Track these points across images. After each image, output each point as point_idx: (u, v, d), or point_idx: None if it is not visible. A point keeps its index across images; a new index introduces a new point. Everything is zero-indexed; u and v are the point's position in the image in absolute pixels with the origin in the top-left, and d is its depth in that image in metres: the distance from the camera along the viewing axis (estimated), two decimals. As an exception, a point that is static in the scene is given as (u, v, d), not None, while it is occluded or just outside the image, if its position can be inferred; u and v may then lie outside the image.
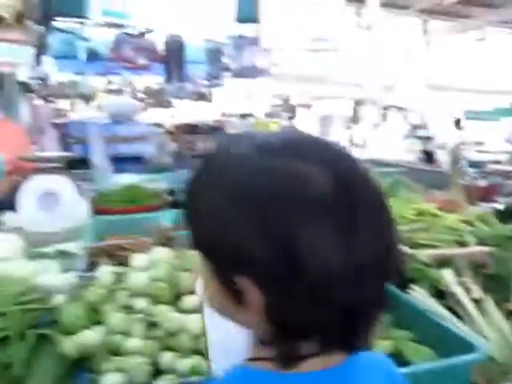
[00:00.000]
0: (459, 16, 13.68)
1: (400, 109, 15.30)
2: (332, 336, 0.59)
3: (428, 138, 9.90)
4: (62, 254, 2.10)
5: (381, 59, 13.12)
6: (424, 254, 2.04)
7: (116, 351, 1.26)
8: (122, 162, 5.04)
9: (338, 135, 15.32)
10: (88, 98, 6.01)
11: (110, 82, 6.13)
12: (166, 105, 6.42)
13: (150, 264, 1.56)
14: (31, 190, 2.57)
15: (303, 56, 9.74)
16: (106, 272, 1.62)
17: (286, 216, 0.53)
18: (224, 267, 0.58)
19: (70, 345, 1.27)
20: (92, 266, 1.94)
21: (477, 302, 1.63)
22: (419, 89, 13.90)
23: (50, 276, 1.83)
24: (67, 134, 4.85)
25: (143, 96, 6.24)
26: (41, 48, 3.86)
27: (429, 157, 8.46)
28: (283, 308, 0.56)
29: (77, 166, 4.64)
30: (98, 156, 4.59)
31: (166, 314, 1.34)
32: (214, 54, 5.06)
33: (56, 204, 2.59)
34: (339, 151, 0.59)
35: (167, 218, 2.63)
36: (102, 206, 2.70)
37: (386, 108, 14.45)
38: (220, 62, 5.08)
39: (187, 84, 5.55)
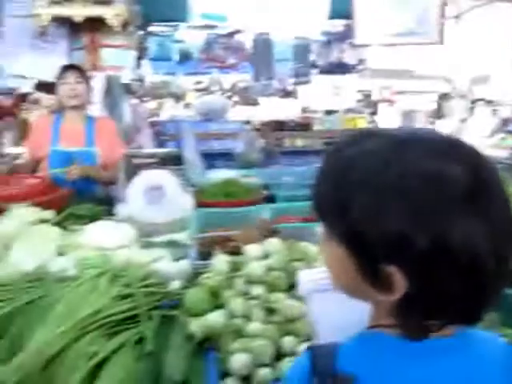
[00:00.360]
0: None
1: (489, 102, 14.45)
2: (460, 311, 0.66)
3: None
4: (171, 244, 2.24)
5: (470, 50, 12.44)
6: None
7: (238, 333, 1.33)
8: (212, 158, 5.25)
9: (421, 131, 14.71)
10: (178, 97, 6.29)
11: (198, 82, 6.37)
12: (253, 102, 6.56)
13: (264, 254, 1.64)
14: (139, 184, 2.75)
15: (390, 51, 9.49)
16: (222, 260, 1.71)
17: (439, 210, 0.60)
18: (373, 257, 0.63)
19: (196, 325, 1.36)
20: (202, 255, 2.07)
21: None
22: (512, 81, 12.99)
23: (165, 263, 1.96)
24: (161, 131, 5.11)
25: (230, 94, 6.42)
26: (140, 51, 4.10)
27: (525, 153, 7.91)
28: (427, 292, 0.63)
29: (169, 162, 4.89)
30: (191, 152, 4.81)
31: (284, 301, 1.39)
32: (302, 51, 5.10)
33: (161, 197, 2.76)
34: (471, 148, 0.65)
35: (264, 212, 2.72)
36: (202, 199, 2.83)
37: (473, 102, 13.71)
38: (307, 59, 5.11)
39: (274, 81, 5.65)
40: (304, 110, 7.21)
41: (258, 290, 1.49)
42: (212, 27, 5.06)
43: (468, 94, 12.97)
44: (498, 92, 13.21)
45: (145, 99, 5.57)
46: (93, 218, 2.68)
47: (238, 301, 1.42)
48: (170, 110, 6.45)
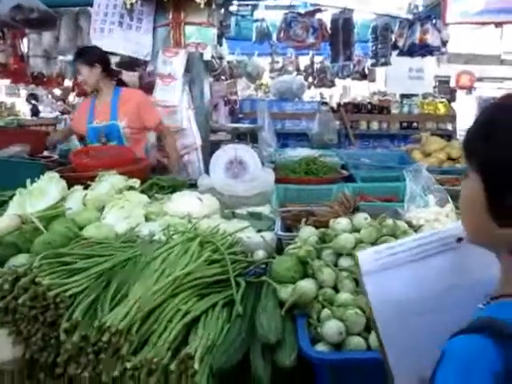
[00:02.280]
0: None
1: None
2: None
3: None
4: (255, 216, 2.27)
5: None
6: None
7: (329, 302, 1.34)
8: (286, 138, 5.27)
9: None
10: (254, 77, 6.30)
11: (274, 62, 6.35)
12: (329, 84, 6.46)
13: (352, 228, 1.63)
14: (222, 157, 2.81)
15: (473, 34, 9.00)
16: (309, 232, 1.72)
17: None
18: (505, 185, 0.70)
19: (286, 292, 1.38)
20: (285, 228, 2.09)
21: None
22: None
23: (250, 234, 1.99)
24: (236, 110, 5.17)
25: (305, 75, 6.35)
26: (221, 30, 4.14)
27: None
28: None
29: (245, 139, 4.95)
30: (266, 131, 4.85)
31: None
32: (382, 31, 4.93)
33: (243, 171, 2.80)
34: None
35: (342, 189, 2.69)
36: (283, 175, 2.85)
37: None
38: (388, 39, 4.93)
39: (352, 63, 5.52)
40: (381, 93, 7.03)
41: (347, 262, 1.48)
42: (291, 6, 5.01)
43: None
44: None
45: (223, 78, 5.64)
46: (174, 189, 2.79)
47: (328, 271, 1.42)
48: (245, 90, 6.49)
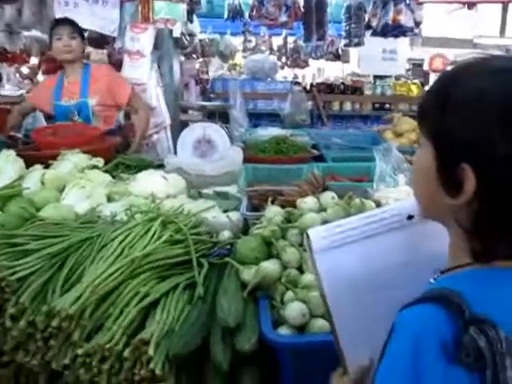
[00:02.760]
0: None
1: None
2: None
3: None
4: (221, 196, 2.22)
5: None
6: None
7: (292, 284, 1.30)
8: (258, 118, 5.19)
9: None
10: (227, 56, 6.18)
11: (247, 41, 6.24)
12: (303, 64, 6.38)
13: (319, 208, 1.58)
14: (189, 136, 2.73)
15: (447, 18, 9.03)
16: (274, 211, 1.67)
17: None
18: (454, 155, 0.68)
19: (248, 273, 1.34)
20: (252, 208, 2.04)
21: None
22: None
23: (215, 213, 1.94)
24: (208, 89, 5.06)
25: (279, 55, 6.26)
26: (191, 6, 4.01)
27: None
28: (497, 196, 0.66)
29: (215, 118, 4.86)
30: (237, 110, 4.76)
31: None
32: (356, 11, 4.87)
33: (212, 150, 2.73)
34: None
35: (312, 169, 2.65)
36: (252, 154, 2.79)
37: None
38: (361, 19, 4.87)
39: (325, 43, 5.45)
40: (354, 74, 6.99)
41: (312, 243, 1.44)
42: (264, -17, 4.89)
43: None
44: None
45: (193, 56, 5.50)
46: (141, 168, 2.70)
47: (292, 250, 1.38)
48: (219, 70, 6.37)
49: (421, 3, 4.17)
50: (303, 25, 4.93)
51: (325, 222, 1.47)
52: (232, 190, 2.36)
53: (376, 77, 6.16)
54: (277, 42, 6.54)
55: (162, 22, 3.70)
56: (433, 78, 12.79)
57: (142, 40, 3.64)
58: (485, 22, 12.96)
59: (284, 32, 6.21)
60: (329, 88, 5.63)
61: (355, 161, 2.88)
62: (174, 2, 3.62)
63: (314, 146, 3.25)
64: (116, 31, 3.74)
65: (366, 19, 4.93)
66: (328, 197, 1.60)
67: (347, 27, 5.01)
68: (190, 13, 4.05)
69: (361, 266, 0.89)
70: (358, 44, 4.99)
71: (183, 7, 3.67)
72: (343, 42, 5.20)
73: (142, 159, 2.83)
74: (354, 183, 2.31)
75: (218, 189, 2.35)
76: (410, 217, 0.90)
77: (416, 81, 6.20)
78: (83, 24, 3.81)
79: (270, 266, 1.31)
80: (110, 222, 1.80)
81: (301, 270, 1.37)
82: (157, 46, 3.68)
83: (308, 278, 1.30)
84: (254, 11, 4.71)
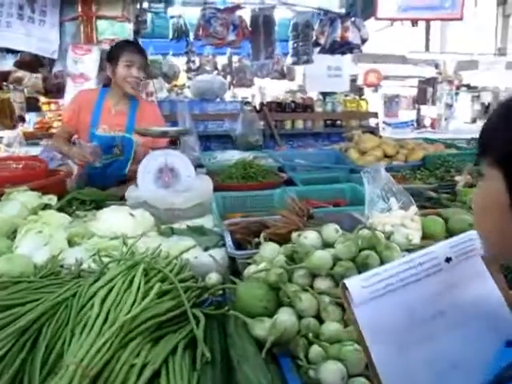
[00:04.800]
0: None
1: (471, 88, 14.52)
2: None
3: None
4: (198, 231, 2.01)
5: (458, 36, 12.41)
6: None
7: (314, 336, 1.12)
8: (209, 140, 5.01)
9: (405, 115, 14.80)
10: (170, 77, 5.97)
11: (190, 61, 6.06)
12: (248, 83, 6.28)
13: (322, 242, 1.43)
14: (150, 165, 2.50)
15: (380, 35, 9.39)
16: (272, 249, 1.50)
17: None
18: None
19: (263, 328, 1.15)
20: (235, 243, 1.84)
21: None
22: (497, 67, 13.03)
23: (196, 253, 1.73)
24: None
25: (224, 74, 6.13)
26: (137, 26, 3.80)
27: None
28: None
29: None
30: (188, 133, 4.55)
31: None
32: (303, 29, 4.84)
33: (174, 180, 2.51)
34: None
35: (286, 195, 2.51)
36: (218, 182, 2.60)
37: (458, 87, 13.74)
38: (309, 37, 4.86)
39: (273, 61, 5.39)
40: (293, 92, 7.01)
41: (325, 284, 1.28)
42: (208, 2, 4.75)
43: (454, 80, 13.01)
44: (485, 78, 13.30)
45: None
46: (97, 203, 2.44)
47: (307, 297, 1.20)
48: (159, 91, 6.13)
49: (379, 19, 4.18)
50: (251, 43, 4.84)
51: (336, 259, 1.32)
52: (205, 222, 2.16)
53: (324, 94, 6.17)
54: (221, 61, 6.42)
55: (107, 43, 3.46)
56: (367, 92, 13.22)
57: (85, 62, 3.39)
58: (411, 38, 13.63)
59: (228, 51, 6.10)
60: (279, 106, 5.56)
61: (325, 182, 2.77)
62: (119, 22, 3.40)
63: (280, 168, 3.13)
64: (56, 53, 3.45)
65: (314, 37, 4.92)
66: (331, 230, 1.44)
67: (295, 45, 4.98)
68: (136, 33, 3.82)
69: (402, 316, 0.83)
70: (307, 62, 4.97)
71: (129, 27, 3.45)
72: (291, 59, 5.17)
73: (97, 193, 2.57)
74: (339, 208, 2.19)
75: (189, 223, 2.14)
76: (448, 259, 0.87)
77: (364, 97, 6.28)
78: (17, 46, 3.51)
79: (288, 319, 1.13)
80: (75, 273, 1.56)
81: (318, 318, 1.20)
82: (103, 67, 3.43)
83: (331, 327, 1.13)
84: (201, 30, 4.56)
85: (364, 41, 4.89)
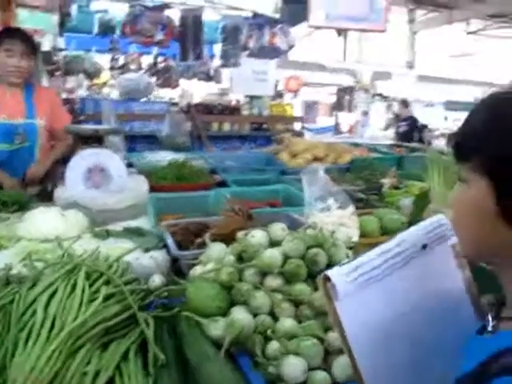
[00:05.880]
0: (446, 7, 13.63)
1: (384, 97, 15.43)
2: None
3: (424, 127, 9.96)
4: (134, 233, 1.94)
5: (374, 48, 13.14)
6: None
7: (267, 333, 1.13)
8: (134, 141, 4.86)
9: (323, 121, 15.39)
10: (92, 74, 5.72)
11: (114, 59, 5.84)
12: (174, 84, 6.18)
13: (269, 241, 1.44)
14: (79, 165, 2.38)
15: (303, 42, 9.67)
16: (219, 249, 1.48)
17: None
18: None
19: (218, 328, 1.14)
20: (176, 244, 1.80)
21: None
22: (409, 78, 13.95)
23: (137, 255, 1.67)
24: (77, 110, 4.61)
25: (149, 74, 5.98)
26: (62, 17, 3.60)
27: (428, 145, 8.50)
28: None
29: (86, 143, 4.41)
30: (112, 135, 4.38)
31: (314, 292, 1.22)
32: (232, 33, 4.87)
33: (105, 180, 2.41)
34: None
35: (220, 196, 2.50)
36: (152, 182, 2.53)
37: (373, 96, 14.52)
38: (238, 40, 4.88)
39: (200, 63, 5.35)
40: (222, 94, 7.03)
41: (275, 282, 1.29)
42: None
43: (370, 89, 13.73)
44: (397, 89, 14.17)
45: (56, 74, 4.97)
46: (21, 205, 2.29)
47: (261, 295, 1.21)
48: (79, 88, 5.86)
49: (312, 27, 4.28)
50: (179, 44, 4.78)
51: (286, 257, 1.33)
52: (141, 224, 2.10)
53: (251, 97, 6.22)
54: (146, 60, 6.26)
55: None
56: (288, 97, 13.57)
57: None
58: (330, 47, 14.21)
59: (155, 50, 5.97)
60: (207, 108, 5.54)
61: (257, 184, 2.80)
62: (43, 12, 3.20)
63: (212, 170, 3.11)
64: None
65: (242, 40, 4.96)
66: (278, 229, 1.45)
67: (224, 47, 4.99)
68: (61, 25, 3.62)
69: (385, 307, 0.83)
70: (235, 64, 5.00)
71: (54, 18, 3.26)
72: (219, 61, 5.17)
73: (20, 194, 2.40)
74: (277, 209, 2.22)
75: (124, 224, 2.07)
76: (424, 246, 0.87)
77: (289, 102, 6.43)
78: None
79: (244, 316, 1.13)
80: (4, 278, 1.44)
81: (272, 314, 1.21)
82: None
83: (287, 324, 1.15)
84: (128, 27, 4.42)
85: (291, 47, 5.01)
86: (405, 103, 10.00)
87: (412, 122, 9.58)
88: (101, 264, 1.48)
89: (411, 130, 9.19)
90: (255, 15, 5.07)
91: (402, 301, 0.84)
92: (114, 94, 5.38)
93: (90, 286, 1.29)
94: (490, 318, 0.74)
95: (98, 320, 1.15)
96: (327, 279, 0.78)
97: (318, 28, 4.31)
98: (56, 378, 0.94)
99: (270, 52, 4.92)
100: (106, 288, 1.30)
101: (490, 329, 0.73)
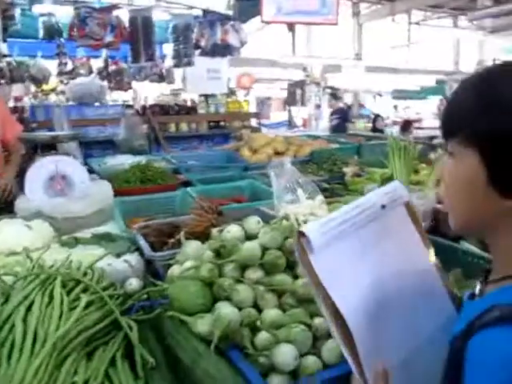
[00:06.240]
0: (388, -1, 13.99)
1: (334, 90, 15.72)
2: None
3: (378, 116, 10.21)
4: (104, 238, 1.90)
5: (323, 42, 13.34)
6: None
7: (255, 325, 1.14)
8: (90, 147, 4.74)
9: (277, 116, 15.50)
10: (40, 80, 5.52)
11: (62, 64, 5.66)
12: (126, 86, 6.06)
13: (244, 235, 1.44)
14: (40, 173, 2.31)
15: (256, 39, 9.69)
16: (196, 247, 1.48)
17: None
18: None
19: (205, 324, 1.14)
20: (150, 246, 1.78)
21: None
22: (358, 70, 14.25)
23: (109, 260, 1.64)
24: (27, 118, 4.44)
25: (100, 78, 5.82)
26: (5, 22, 3.44)
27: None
28: None
29: (41, 151, 4.27)
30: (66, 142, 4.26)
31: (296, 281, 1.24)
32: (184, 32, 4.81)
33: (68, 187, 2.35)
34: None
35: (186, 196, 2.50)
36: (115, 187, 2.49)
37: (324, 89, 14.75)
38: (189, 39, 4.83)
39: (152, 64, 5.27)
40: (177, 94, 6.96)
41: (255, 275, 1.30)
42: (81, 1, 4.48)
43: (321, 82, 13.92)
44: (347, 81, 14.45)
45: (1, 81, 4.76)
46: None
47: (244, 288, 1.22)
48: (26, 95, 5.65)
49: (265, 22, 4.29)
50: (130, 45, 4.68)
51: (264, 249, 1.34)
52: (109, 229, 2.05)
53: (205, 96, 6.17)
54: (96, 64, 6.10)
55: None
56: (240, 94, 13.58)
57: None
58: (279, 42, 14.33)
59: (104, 53, 5.83)
60: (163, 110, 5.46)
61: (222, 181, 2.81)
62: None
63: (175, 170, 3.09)
64: None
65: (194, 39, 4.92)
66: (253, 222, 1.47)
67: (176, 47, 4.93)
68: (4, 29, 3.47)
69: (358, 259, 0.84)
70: (188, 64, 4.95)
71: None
72: (172, 62, 5.10)
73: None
74: (245, 204, 2.23)
75: (93, 230, 2.02)
76: (383, 206, 0.90)
77: (246, 98, 6.42)
78: None
79: (231, 311, 1.13)
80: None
81: (256, 307, 1.22)
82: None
83: (271, 314, 1.16)
84: (75, 31, 4.29)
85: (243, 43, 5.02)
86: (334, 96, 10.12)
87: (343, 113, 9.70)
88: (75, 272, 1.45)
89: (343, 122, 9.25)
90: (206, 13, 5.05)
91: (372, 253, 0.86)
92: (64, 100, 5.20)
93: (68, 294, 1.27)
94: (479, 285, 0.78)
95: (80, 328, 1.12)
96: (302, 235, 0.78)
97: (270, 23, 4.31)
98: (44, 391, 0.91)
99: (222, 49, 4.91)
100: (85, 295, 1.27)
101: (477, 292, 0.77)
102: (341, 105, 10.95)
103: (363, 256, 0.85)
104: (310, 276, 0.76)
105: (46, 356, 0.97)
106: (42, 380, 0.91)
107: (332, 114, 10.02)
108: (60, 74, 5.72)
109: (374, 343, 0.78)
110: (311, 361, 1.03)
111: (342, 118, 9.49)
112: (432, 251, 0.97)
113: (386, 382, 0.72)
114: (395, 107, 17.63)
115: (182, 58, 4.85)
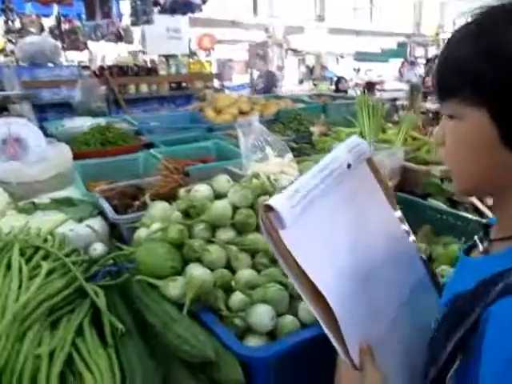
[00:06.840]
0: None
1: (296, 51, 15.53)
2: None
3: (341, 78, 10.16)
4: (64, 203, 1.80)
5: (285, 2, 13.07)
6: (438, 170, 2.10)
7: (229, 285, 1.10)
8: (44, 109, 4.50)
9: (239, 78, 15.24)
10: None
11: (9, 20, 5.28)
12: (81, 47, 5.75)
13: (214, 194, 1.38)
14: (-10, 136, 2.15)
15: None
16: (162, 208, 1.41)
17: None
18: None
19: (177, 287, 1.09)
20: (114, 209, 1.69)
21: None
22: (320, 32, 14.08)
23: (71, 226, 1.56)
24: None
25: (52, 37, 5.48)
26: None
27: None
28: None
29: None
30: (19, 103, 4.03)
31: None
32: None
33: (22, 151, 2.21)
34: None
35: (149, 157, 2.40)
36: (74, 150, 2.36)
37: (286, 51, 14.54)
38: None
39: (108, 22, 4.99)
40: (136, 54, 6.68)
41: (226, 235, 1.25)
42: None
43: (283, 43, 13.70)
44: (310, 42, 14.27)
45: None
46: None
47: (215, 249, 1.17)
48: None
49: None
50: (83, 1, 4.40)
51: (235, 208, 1.29)
52: (69, 194, 1.95)
53: (165, 56, 5.92)
54: (48, 23, 5.73)
55: None
56: (201, 55, 13.23)
57: None
58: (239, 2, 13.95)
59: (55, 10, 5.47)
60: (122, 71, 5.22)
61: (186, 143, 2.72)
62: None
63: (137, 132, 2.97)
64: None
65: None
66: (222, 180, 1.41)
67: (133, 4, 4.67)
68: None
69: (330, 229, 0.76)
70: (147, 22, 4.71)
71: None
72: (129, 20, 4.84)
73: None
74: (212, 164, 2.15)
75: (52, 195, 1.92)
76: (349, 165, 0.83)
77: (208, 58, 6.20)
78: None
79: (203, 272, 1.08)
80: None
81: (229, 268, 1.17)
82: None
83: (245, 274, 1.12)
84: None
85: (204, 1, 4.80)
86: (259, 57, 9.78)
87: (269, 76, 9.50)
88: (34, 239, 1.36)
89: (269, 85, 9.07)
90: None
91: (341, 219, 0.80)
92: (14, 61, 4.87)
93: (27, 262, 1.19)
94: (478, 240, 0.75)
95: (42, 298, 1.05)
96: (269, 209, 0.67)
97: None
98: (7, 365, 0.85)
99: (182, 7, 4.69)
100: (46, 263, 1.19)
101: (481, 249, 0.73)
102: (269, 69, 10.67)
103: (334, 225, 0.78)
104: (281, 255, 0.67)
105: (6, 328, 0.90)
106: (2, 354, 0.84)
107: (258, 78, 9.77)
108: (7, 32, 5.36)
109: (356, 320, 0.73)
110: (288, 320, 1.00)
111: (268, 80, 9.30)
112: (397, 206, 0.92)
113: (371, 358, 0.68)
114: (357, 70, 17.63)
115: (141, 16, 4.61)
